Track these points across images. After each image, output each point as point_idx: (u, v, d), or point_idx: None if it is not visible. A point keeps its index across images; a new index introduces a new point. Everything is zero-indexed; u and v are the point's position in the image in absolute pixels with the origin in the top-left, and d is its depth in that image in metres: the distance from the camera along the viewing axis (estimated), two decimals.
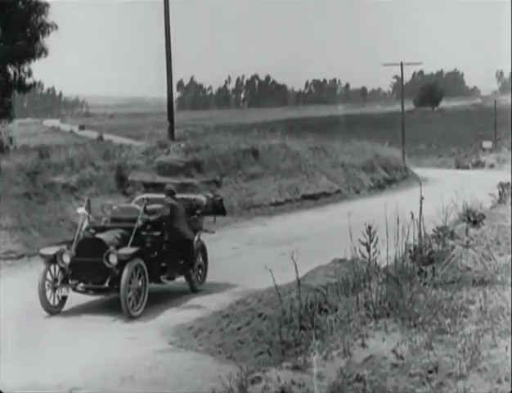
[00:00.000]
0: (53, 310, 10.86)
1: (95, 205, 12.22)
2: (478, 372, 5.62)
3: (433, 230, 10.10)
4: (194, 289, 12.30)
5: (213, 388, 6.64)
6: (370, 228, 7.81)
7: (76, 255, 10.85)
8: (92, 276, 10.81)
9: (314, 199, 26.55)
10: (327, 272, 10.27)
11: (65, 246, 11.16)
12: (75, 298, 11.06)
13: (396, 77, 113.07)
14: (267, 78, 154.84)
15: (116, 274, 10.58)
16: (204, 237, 12.96)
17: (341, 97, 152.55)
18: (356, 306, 7.42)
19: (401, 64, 57.28)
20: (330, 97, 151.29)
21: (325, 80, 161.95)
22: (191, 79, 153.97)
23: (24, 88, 30.45)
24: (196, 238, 12.52)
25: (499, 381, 5.47)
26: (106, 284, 10.71)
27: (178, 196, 13.20)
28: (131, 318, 10.43)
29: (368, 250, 7.90)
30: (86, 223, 11.51)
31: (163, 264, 11.66)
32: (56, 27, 29.81)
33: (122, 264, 10.59)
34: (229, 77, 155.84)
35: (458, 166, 56.21)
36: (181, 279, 12.16)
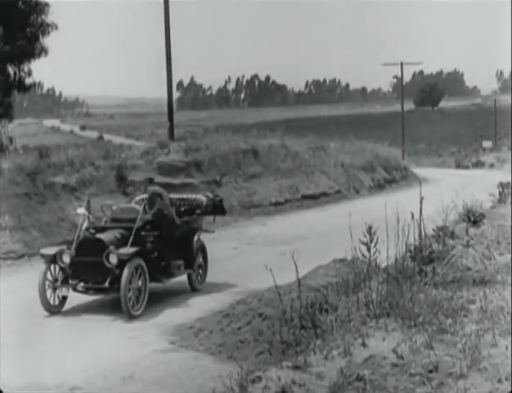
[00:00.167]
0: (53, 310, 10.86)
1: (95, 205, 12.22)
2: (479, 371, 5.62)
3: (434, 230, 10.09)
4: (194, 289, 12.31)
5: (213, 388, 6.64)
6: (370, 227, 7.81)
7: (76, 255, 10.85)
8: (92, 276, 10.82)
9: (314, 199, 26.55)
10: (327, 272, 10.27)
11: (65, 246, 11.17)
12: (75, 298, 11.07)
13: (396, 77, 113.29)
14: (267, 78, 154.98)
15: (116, 274, 10.59)
16: (204, 237, 12.96)
17: (341, 96, 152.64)
18: (356, 306, 7.42)
19: (401, 64, 57.43)
20: (330, 96, 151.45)
21: (324, 80, 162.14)
22: (191, 79, 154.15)
23: (24, 87, 30.43)
24: (196, 238, 12.53)
25: (499, 381, 5.47)
26: (106, 284, 10.71)
27: (178, 195, 13.25)
28: (131, 317, 10.43)
29: (368, 249, 7.90)
30: (86, 223, 11.52)
31: (163, 264, 11.67)
32: (56, 27, 29.83)
33: (122, 263, 10.59)
34: (229, 77, 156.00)
35: (458, 166, 56.19)
36: (181, 279, 12.16)
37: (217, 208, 13.38)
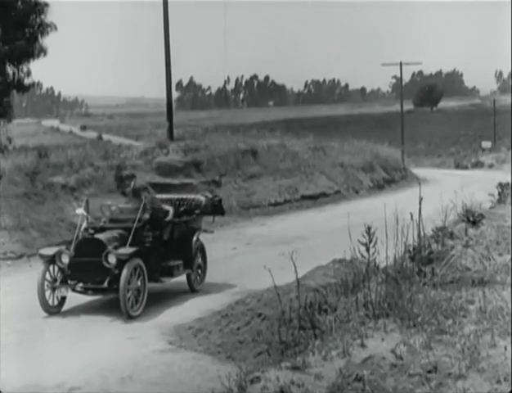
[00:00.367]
0: (52, 310, 10.85)
1: (94, 206, 12.21)
2: (478, 372, 5.61)
3: (433, 230, 10.11)
4: (193, 289, 12.30)
5: (212, 388, 6.64)
6: (369, 228, 7.81)
7: (75, 256, 10.84)
8: (91, 276, 10.81)
9: (313, 199, 26.56)
10: (326, 272, 10.28)
11: (63, 247, 11.15)
12: (74, 298, 11.06)
13: (395, 77, 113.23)
14: (266, 78, 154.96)
15: (115, 274, 10.58)
16: (203, 237, 12.95)
17: (340, 97, 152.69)
18: (355, 306, 7.42)
19: (401, 64, 57.40)
20: (330, 97, 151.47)
21: (324, 80, 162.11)
22: (190, 79, 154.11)
23: (23, 87, 30.44)
24: (195, 238, 12.53)
25: (498, 381, 5.46)
26: (105, 284, 10.70)
27: (177, 196, 13.26)
28: (130, 318, 10.42)
29: (367, 250, 7.90)
30: (85, 224, 11.52)
31: (162, 264, 11.66)
32: (56, 27, 29.83)
33: (121, 264, 10.59)
34: (228, 77, 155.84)
35: (457, 166, 56.23)
36: (180, 279, 12.16)
37: (216, 208, 13.38)
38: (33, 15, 29.35)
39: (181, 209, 12.80)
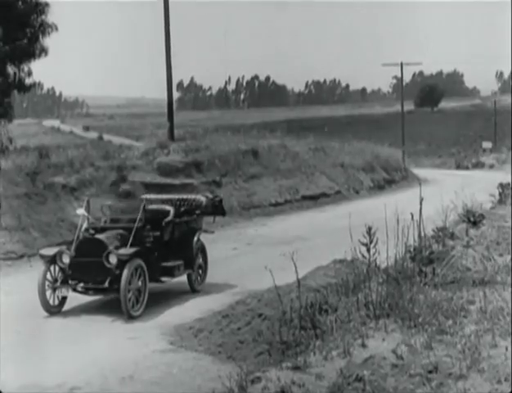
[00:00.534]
0: (53, 310, 10.85)
1: (95, 206, 12.21)
2: (478, 372, 5.62)
3: (433, 230, 10.12)
4: (193, 289, 12.30)
5: (213, 388, 6.64)
6: (369, 228, 7.82)
7: (76, 256, 10.84)
8: (91, 276, 10.81)
9: (314, 199, 26.57)
10: (327, 272, 10.28)
11: (64, 247, 11.16)
12: (75, 298, 11.06)
13: (395, 77, 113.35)
14: (267, 78, 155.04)
15: (116, 274, 10.58)
16: (204, 238, 12.96)
17: (341, 97, 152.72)
18: (356, 306, 7.42)
19: (401, 64, 57.43)
20: (330, 97, 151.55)
21: (325, 81, 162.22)
22: (191, 79, 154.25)
23: (23, 88, 30.44)
24: (196, 238, 12.53)
25: (499, 382, 5.47)
26: (106, 284, 10.70)
27: (177, 196, 13.27)
28: (131, 318, 10.42)
29: (368, 250, 7.91)
30: (85, 224, 11.51)
31: (163, 264, 11.67)
32: (56, 28, 29.84)
33: (122, 264, 10.58)
34: (229, 77, 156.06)
35: (458, 167, 56.27)
36: (180, 279, 12.16)
37: (216, 208, 13.39)
38: (34, 16, 29.35)
39: (182, 209, 12.80)
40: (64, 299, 10.98)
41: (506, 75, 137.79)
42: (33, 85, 31.32)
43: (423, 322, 6.70)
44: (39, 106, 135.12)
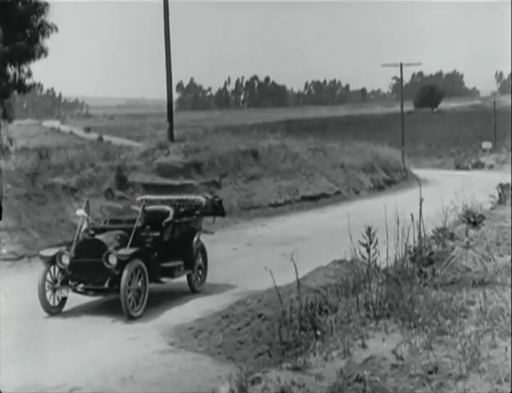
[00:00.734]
0: (53, 311, 10.85)
1: (94, 207, 12.22)
2: (478, 372, 5.62)
3: (433, 231, 10.12)
4: (193, 290, 12.30)
5: (212, 389, 6.64)
6: (369, 229, 7.81)
7: (75, 257, 10.84)
8: (91, 277, 10.81)
9: (314, 200, 26.57)
10: (327, 273, 10.28)
11: (64, 248, 11.17)
12: (75, 299, 11.07)
13: (395, 78, 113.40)
14: (267, 79, 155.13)
15: (116, 275, 10.58)
16: (204, 238, 12.96)
17: (341, 97, 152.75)
18: (356, 307, 7.42)
19: (401, 64, 57.46)
20: (330, 98, 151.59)
21: (324, 81, 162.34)
22: (191, 80, 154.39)
23: (23, 88, 30.45)
24: (196, 239, 12.53)
25: (499, 382, 5.47)
26: (106, 285, 10.70)
27: (177, 196, 13.28)
28: (131, 318, 10.42)
29: (368, 251, 7.90)
30: (85, 225, 11.52)
31: (163, 265, 11.67)
32: (56, 28, 29.85)
33: (121, 264, 10.59)
34: (229, 78, 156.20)
35: (458, 167, 56.33)
36: (180, 280, 12.16)
37: (216, 209, 13.39)
38: (34, 16, 29.37)
39: (182, 210, 12.80)
40: (64, 299, 10.98)
41: (506, 76, 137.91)
42: (33, 86, 31.35)
43: (423, 322, 6.70)
44: (39, 107, 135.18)
